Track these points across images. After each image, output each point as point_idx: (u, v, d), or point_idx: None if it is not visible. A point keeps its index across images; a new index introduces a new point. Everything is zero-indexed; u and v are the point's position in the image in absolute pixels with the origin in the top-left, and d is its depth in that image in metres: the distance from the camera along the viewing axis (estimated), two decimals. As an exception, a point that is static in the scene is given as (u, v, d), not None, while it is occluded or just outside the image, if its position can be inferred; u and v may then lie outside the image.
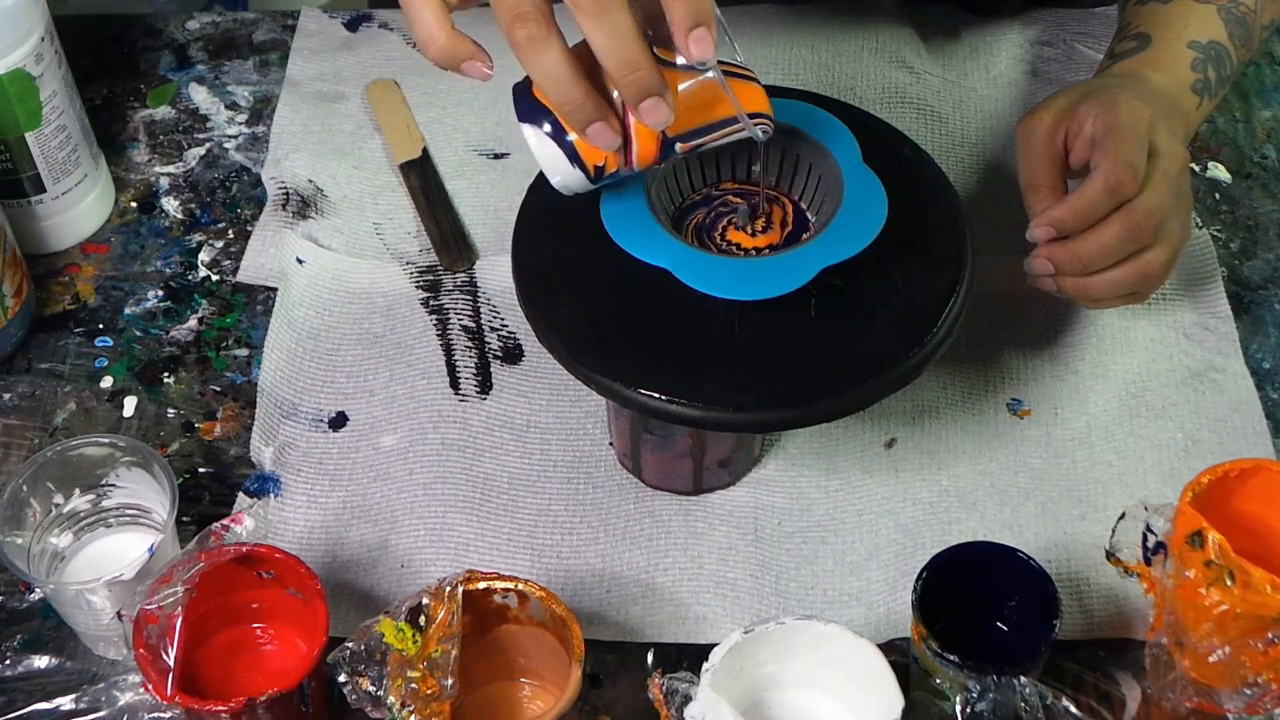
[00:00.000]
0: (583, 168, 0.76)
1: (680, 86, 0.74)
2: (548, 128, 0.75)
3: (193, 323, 1.00)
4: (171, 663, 0.76)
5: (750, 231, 0.83)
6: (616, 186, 0.82)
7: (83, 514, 0.85)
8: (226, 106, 1.14)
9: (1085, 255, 0.86)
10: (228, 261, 1.04)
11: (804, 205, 0.85)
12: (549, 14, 0.69)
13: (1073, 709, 0.72)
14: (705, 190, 0.86)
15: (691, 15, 0.69)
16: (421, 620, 0.75)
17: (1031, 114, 0.92)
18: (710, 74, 0.74)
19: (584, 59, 0.70)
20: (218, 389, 0.97)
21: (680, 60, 0.73)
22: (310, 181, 1.06)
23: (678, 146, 0.76)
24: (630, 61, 0.69)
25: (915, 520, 0.89)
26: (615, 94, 0.73)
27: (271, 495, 0.91)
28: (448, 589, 0.76)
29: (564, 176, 0.76)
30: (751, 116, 0.76)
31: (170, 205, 1.07)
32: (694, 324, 0.80)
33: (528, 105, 0.75)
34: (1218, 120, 1.11)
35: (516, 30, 0.69)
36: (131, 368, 0.98)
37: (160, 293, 1.02)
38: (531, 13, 0.69)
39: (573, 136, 0.75)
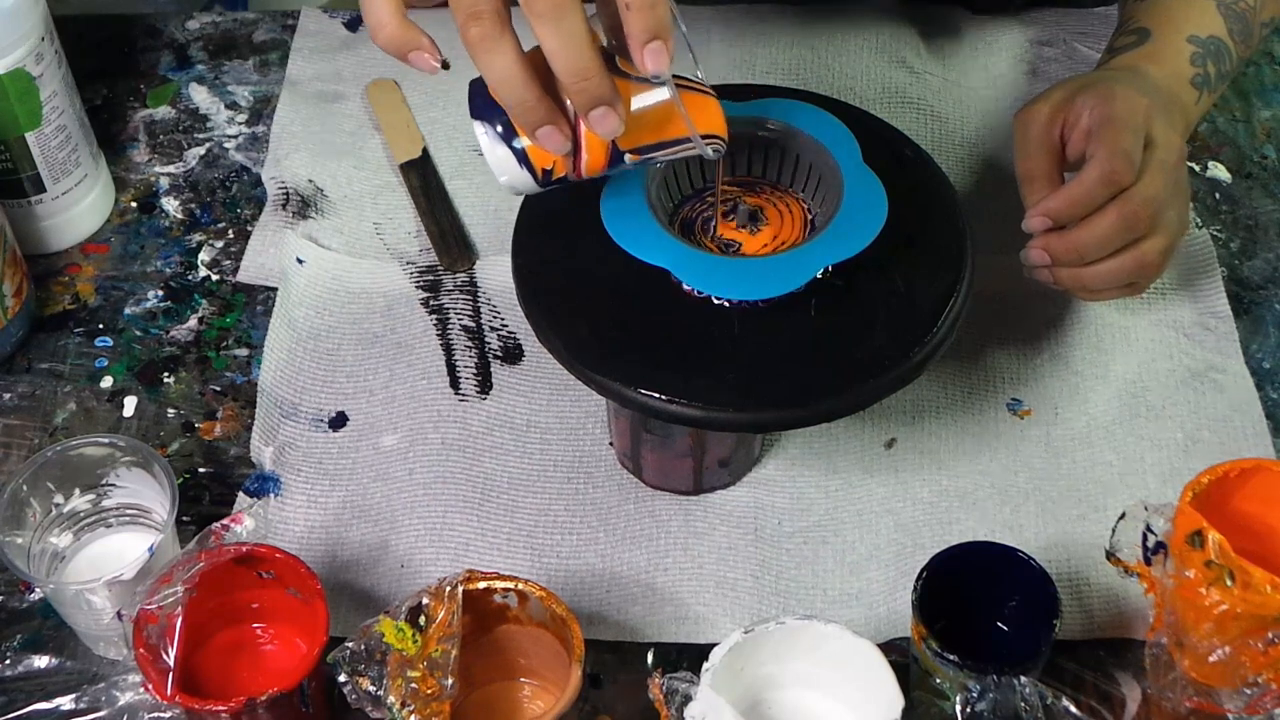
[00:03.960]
0: (531, 170, 0.75)
1: (634, 99, 0.73)
2: (499, 128, 0.74)
3: (193, 323, 1.00)
4: (171, 663, 0.76)
5: (752, 231, 0.83)
6: (616, 186, 0.82)
7: (83, 514, 0.85)
8: (226, 106, 1.14)
9: (1081, 245, 0.86)
10: (228, 261, 1.04)
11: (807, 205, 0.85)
12: (504, 14, 0.69)
13: (1073, 709, 0.72)
14: (703, 186, 0.86)
15: (648, 29, 0.69)
16: (421, 620, 0.75)
17: (1029, 106, 0.92)
18: (665, 90, 0.73)
19: (538, 63, 0.70)
20: (218, 389, 0.97)
21: (636, 72, 0.72)
22: (310, 181, 1.06)
23: (627, 158, 0.75)
24: (582, 69, 0.69)
25: (915, 520, 0.89)
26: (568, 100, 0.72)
27: (271, 495, 0.91)
28: (448, 589, 0.76)
29: (511, 177, 0.76)
30: (704, 137, 0.76)
31: (170, 205, 1.07)
32: (694, 324, 0.80)
33: (481, 103, 0.75)
34: (1218, 120, 1.11)
35: (470, 28, 0.69)
36: (131, 368, 0.98)
37: (160, 293, 1.02)
38: (486, 12, 0.69)
39: (523, 139, 0.74)
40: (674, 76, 0.73)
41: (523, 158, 0.75)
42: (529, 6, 0.68)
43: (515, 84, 0.70)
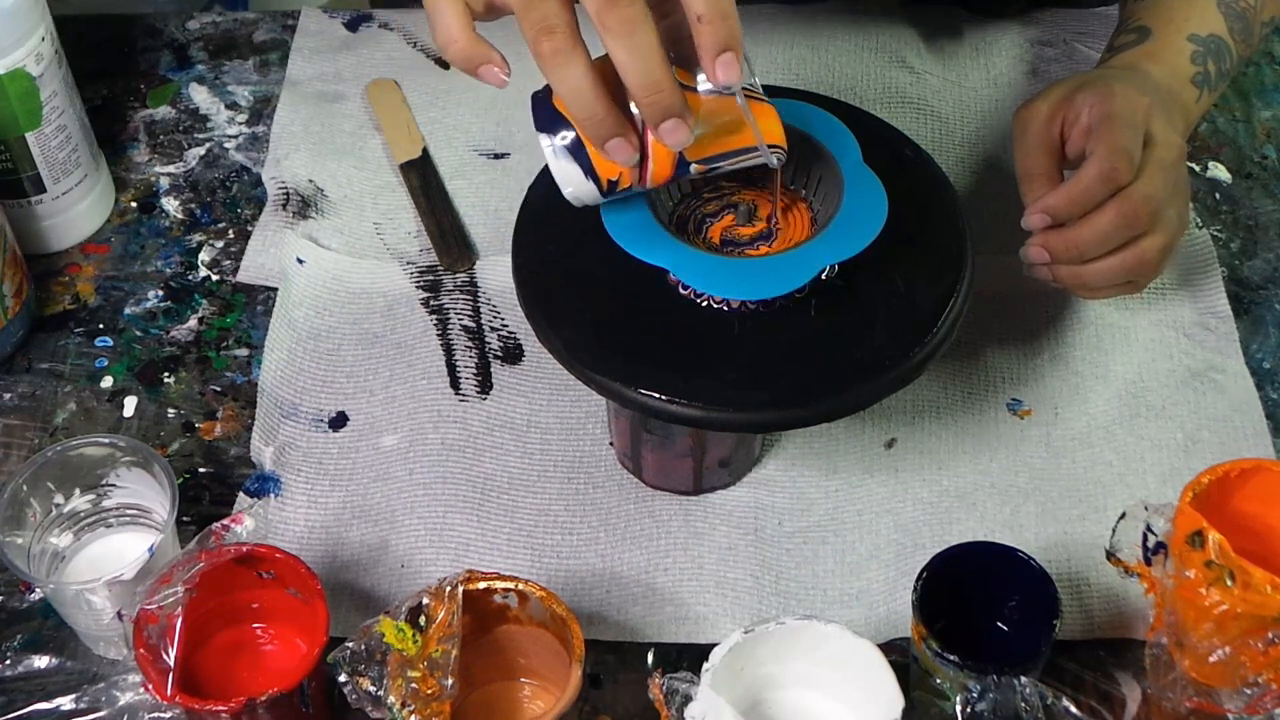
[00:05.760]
0: (596, 181, 0.76)
1: (700, 110, 0.74)
2: (565, 139, 0.75)
3: (193, 323, 1.00)
4: (171, 663, 0.76)
5: (749, 223, 0.83)
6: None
7: (83, 514, 0.85)
8: (226, 106, 1.14)
9: (1080, 242, 0.86)
10: (228, 261, 1.04)
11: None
12: (575, 28, 0.70)
13: (1073, 709, 0.72)
14: (702, 185, 0.86)
15: (720, 41, 0.69)
16: (421, 620, 0.75)
17: (1028, 104, 0.92)
18: (734, 100, 0.74)
19: (605, 73, 0.70)
20: (218, 389, 0.97)
21: (701, 83, 0.73)
22: (310, 181, 1.06)
23: (693, 168, 0.76)
24: (654, 82, 0.69)
25: (915, 520, 0.89)
26: (635, 110, 0.73)
27: (271, 495, 0.91)
28: (448, 589, 0.76)
29: (576, 188, 0.77)
30: (768, 147, 0.76)
31: (170, 205, 1.07)
32: (694, 324, 0.80)
33: (547, 115, 0.75)
34: (1218, 120, 1.11)
35: (543, 43, 0.69)
36: (131, 368, 0.98)
37: (160, 293, 1.02)
38: (559, 26, 0.69)
39: (589, 150, 0.75)
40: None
41: (589, 169, 0.75)
42: (600, 21, 0.68)
43: (587, 97, 0.70)
